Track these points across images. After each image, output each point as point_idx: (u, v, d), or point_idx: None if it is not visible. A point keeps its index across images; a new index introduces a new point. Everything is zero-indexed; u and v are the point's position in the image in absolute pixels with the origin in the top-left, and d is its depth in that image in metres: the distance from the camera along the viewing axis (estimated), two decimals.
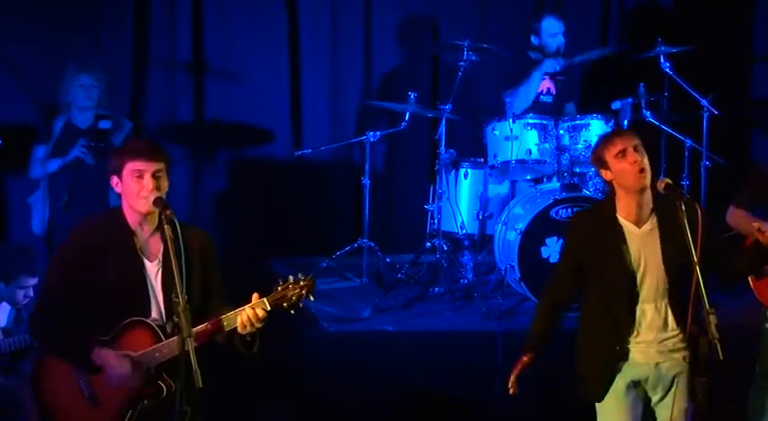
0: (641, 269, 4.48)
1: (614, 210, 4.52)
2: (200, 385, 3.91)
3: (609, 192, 4.61)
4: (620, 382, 4.53)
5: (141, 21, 7.59)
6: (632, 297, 4.48)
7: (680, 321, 4.51)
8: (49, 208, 6.73)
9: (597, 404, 4.58)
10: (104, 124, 6.63)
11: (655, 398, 4.58)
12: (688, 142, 7.19)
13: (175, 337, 4.11)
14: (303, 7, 7.87)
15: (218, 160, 7.88)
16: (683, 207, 4.32)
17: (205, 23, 7.71)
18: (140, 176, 4.20)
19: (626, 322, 4.49)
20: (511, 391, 4.54)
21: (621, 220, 4.50)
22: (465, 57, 7.02)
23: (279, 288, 4.21)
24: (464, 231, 7.11)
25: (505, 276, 6.75)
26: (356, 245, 7.10)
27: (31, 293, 5.70)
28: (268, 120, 7.89)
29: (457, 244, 7.16)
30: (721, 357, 4.11)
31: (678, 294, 4.52)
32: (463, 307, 6.75)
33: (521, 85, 7.14)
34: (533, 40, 7.35)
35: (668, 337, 4.52)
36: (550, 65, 7.19)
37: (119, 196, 4.30)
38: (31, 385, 4.36)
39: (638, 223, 4.50)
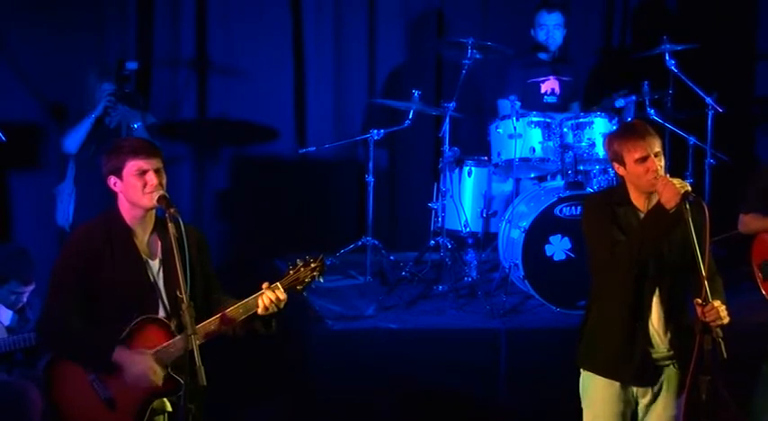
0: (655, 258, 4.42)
1: (629, 198, 4.47)
2: (204, 383, 3.92)
3: (621, 181, 4.54)
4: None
5: (145, 18, 7.58)
6: (647, 285, 4.42)
7: (676, 318, 4.47)
8: (76, 199, 6.68)
9: (591, 395, 4.52)
10: (132, 65, 6.61)
11: (643, 402, 4.55)
12: (692, 140, 7.19)
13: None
14: (307, 5, 7.86)
15: (222, 158, 7.88)
16: (687, 205, 4.30)
17: (209, 21, 7.69)
18: (143, 174, 4.22)
19: (643, 307, 4.42)
20: None
21: (637, 208, 4.46)
22: (469, 54, 7.01)
23: (291, 271, 4.31)
24: (468, 229, 7.10)
25: (509, 274, 6.75)
26: (360, 243, 7.10)
27: (25, 299, 5.64)
28: (272, 117, 7.88)
29: (461, 242, 7.15)
30: (725, 355, 4.10)
31: (676, 290, 4.49)
32: (467, 305, 6.73)
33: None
34: (532, 33, 7.38)
35: (671, 329, 4.47)
36: None
37: (115, 196, 4.31)
38: (44, 393, 4.34)
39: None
